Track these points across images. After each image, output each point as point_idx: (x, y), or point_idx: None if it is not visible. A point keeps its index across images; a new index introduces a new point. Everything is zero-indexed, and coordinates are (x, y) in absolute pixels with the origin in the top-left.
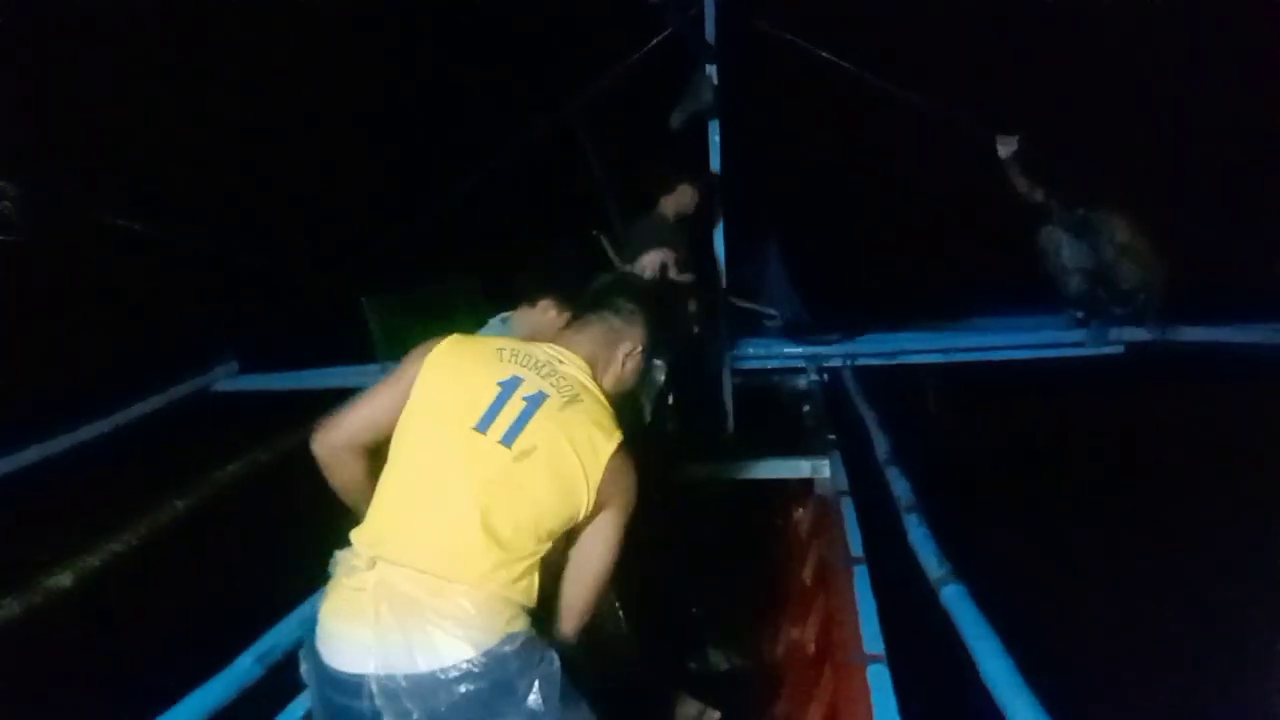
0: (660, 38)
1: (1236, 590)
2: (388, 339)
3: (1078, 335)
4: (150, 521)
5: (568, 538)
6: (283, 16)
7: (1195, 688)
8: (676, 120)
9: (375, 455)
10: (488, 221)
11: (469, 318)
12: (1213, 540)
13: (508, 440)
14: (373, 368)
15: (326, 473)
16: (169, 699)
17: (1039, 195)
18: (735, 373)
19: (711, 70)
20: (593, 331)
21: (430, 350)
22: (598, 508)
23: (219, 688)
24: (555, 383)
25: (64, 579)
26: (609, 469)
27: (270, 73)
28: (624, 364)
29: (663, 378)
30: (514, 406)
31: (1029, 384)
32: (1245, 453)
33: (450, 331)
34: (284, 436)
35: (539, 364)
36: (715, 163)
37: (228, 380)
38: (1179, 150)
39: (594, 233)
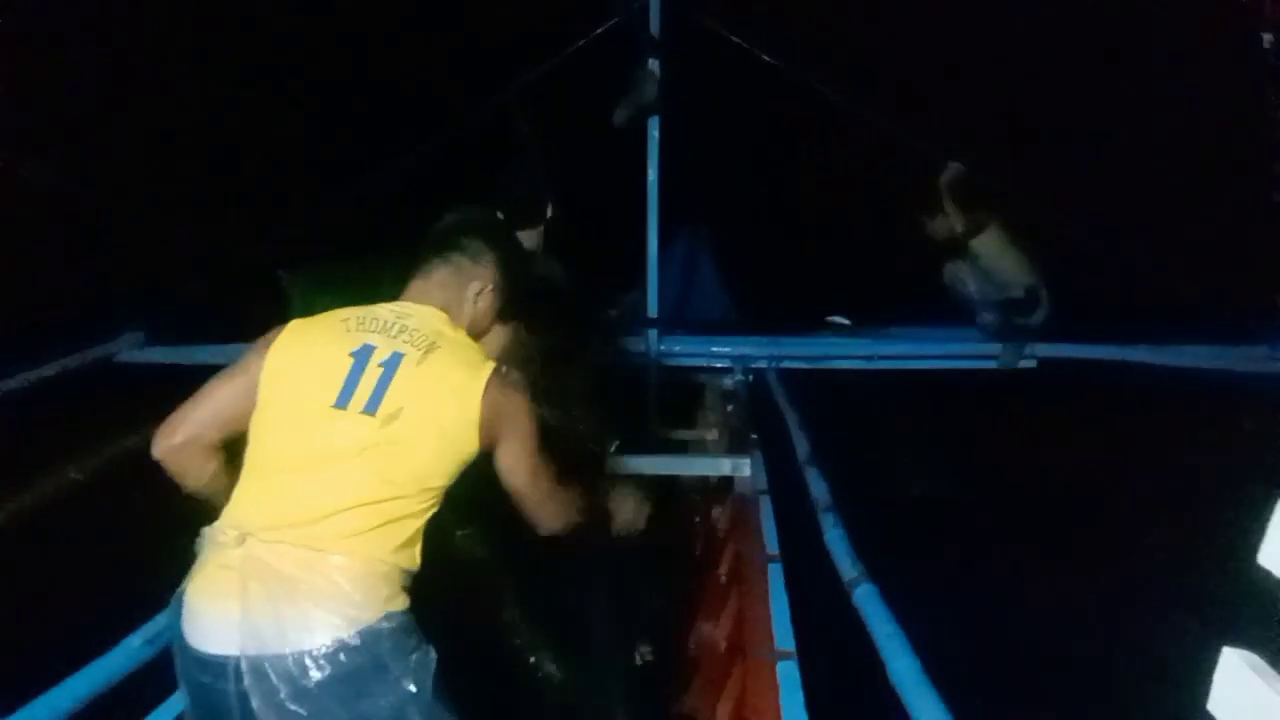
0: (605, 27)
1: (1144, 600)
2: (307, 315)
3: (995, 348)
4: (40, 490)
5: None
6: None
7: (1099, 695)
8: (620, 116)
9: (225, 453)
10: (419, 202)
11: (392, 296)
12: (1119, 549)
13: (371, 408)
14: None
15: (176, 478)
16: (54, 678)
17: (960, 225)
18: (661, 369)
19: (655, 64)
20: (439, 276)
21: (274, 338)
22: (490, 441)
23: (106, 667)
24: (408, 338)
25: None
26: (485, 401)
27: (196, 29)
28: (475, 303)
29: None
30: (371, 375)
31: (947, 393)
32: (1147, 464)
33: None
34: None
35: (387, 325)
36: (654, 159)
37: (133, 350)
38: (1104, 170)
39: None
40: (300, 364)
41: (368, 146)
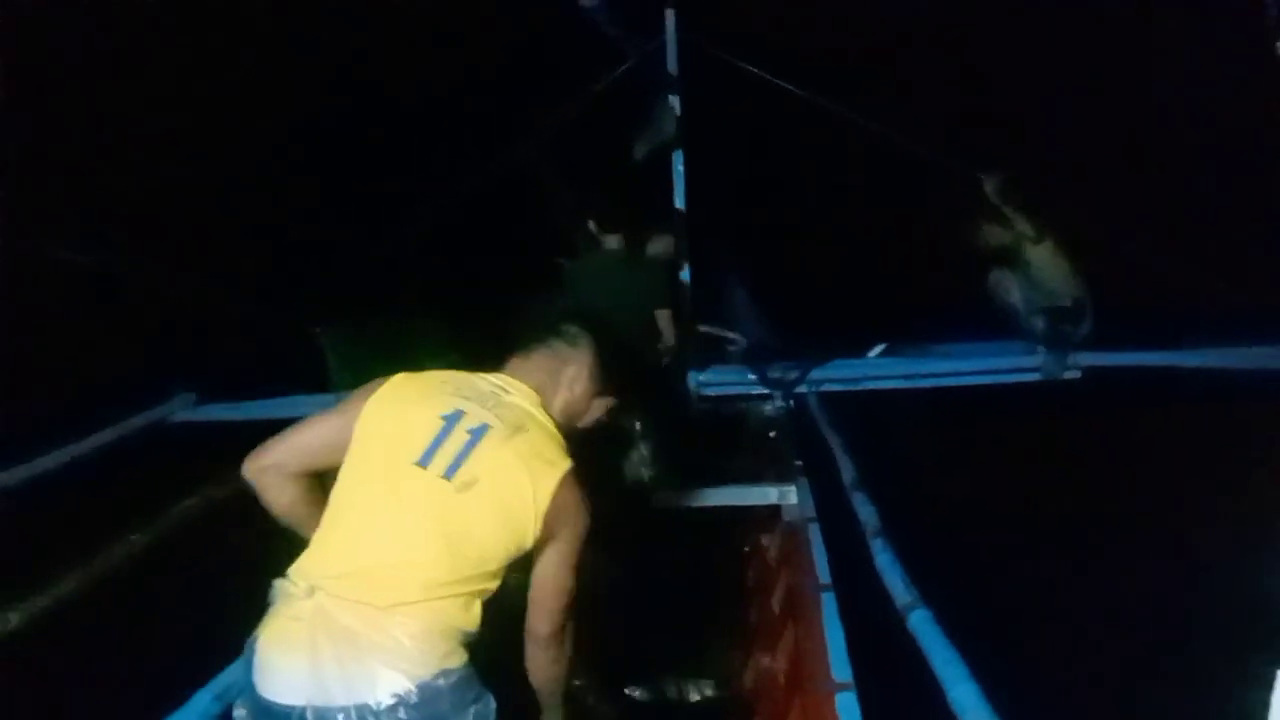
0: (622, 69)
1: (1199, 619)
2: (343, 369)
3: (1037, 360)
4: (106, 557)
5: (524, 569)
6: (246, 45)
7: (1156, 714)
8: (639, 152)
9: (312, 484)
10: (451, 255)
11: (428, 350)
12: (1173, 566)
13: (450, 473)
14: (329, 398)
15: (258, 495)
16: None
17: (1028, 229)
18: (702, 399)
19: (674, 101)
20: (538, 359)
21: (376, 388)
22: (545, 538)
23: None
24: (500, 414)
25: (12, 618)
26: (555, 498)
27: (227, 103)
28: (572, 389)
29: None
30: (457, 439)
31: (992, 409)
32: (1205, 474)
33: (408, 363)
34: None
35: (483, 395)
36: (680, 191)
37: (186, 411)
38: (1147, 176)
39: (556, 260)
40: (393, 417)
41: (394, 202)
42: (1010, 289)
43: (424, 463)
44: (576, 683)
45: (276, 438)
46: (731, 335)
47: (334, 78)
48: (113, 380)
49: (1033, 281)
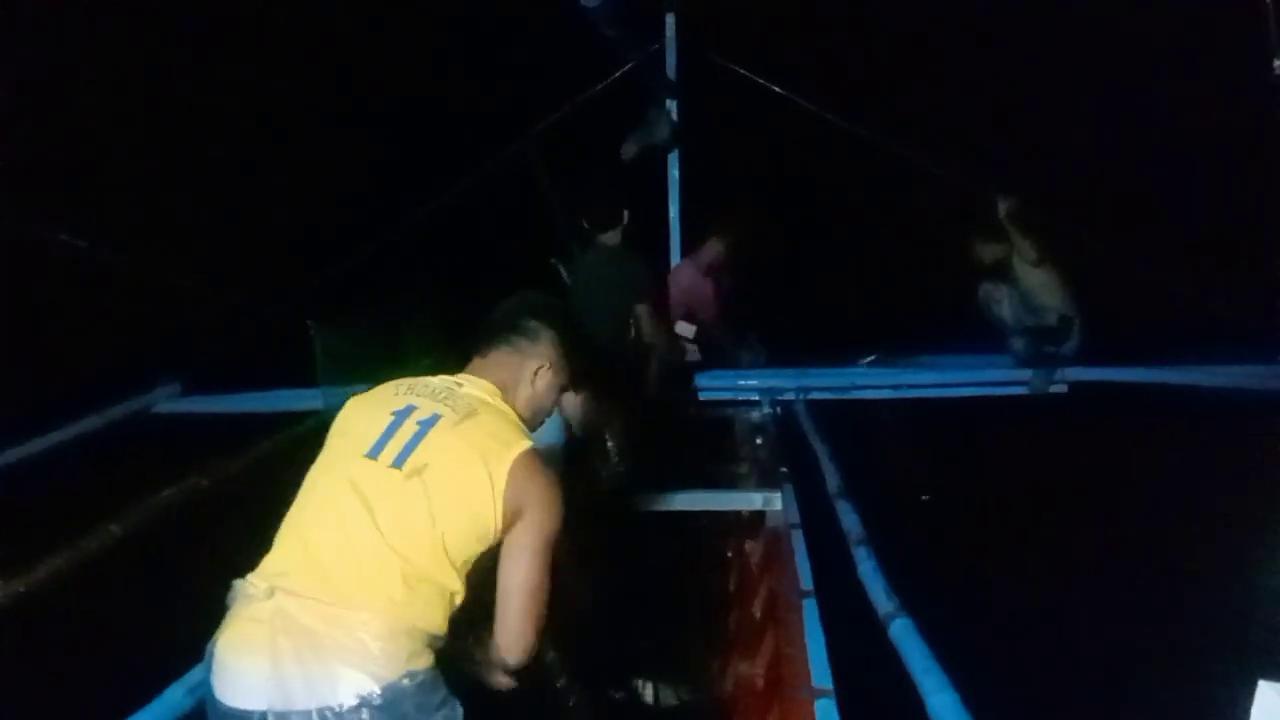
0: (621, 72)
1: (1181, 632)
2: (332, 364)
3: (1025, 374)
4: (82, 547)
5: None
6: (248, 38)
7: None
8: (629, 152)
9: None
10: (445, 252)
11: (419, 347)
12: (1157, 580)
13: (398, 462)
14: (314, 393)
15: None
16: None
17: (1030, 253)
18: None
19: (672, 105)
20: (498, 356)
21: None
22: (510, 519)
23: (148, 718)
24: (451, 404)
25: None
26: (512, 475)
27: (223, 94)
28: (534, 383)
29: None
30: (406, 431)
31: (978, 421)
32: (1184, 490)
33: (397, 362)
34: (226, 460)
35: (435, 390)
36: (674, 195)
37: (169, 401)
38: (1140, 189)
39: (551, 261)
40: (349, 423)
41: (392, 198)
42: (1000, 302)
43: (373, 455)
44: (558, 684)
45: None
46: (689, 336)
47: (333, 74)
48: (96, 369)
49: (1023, 297)
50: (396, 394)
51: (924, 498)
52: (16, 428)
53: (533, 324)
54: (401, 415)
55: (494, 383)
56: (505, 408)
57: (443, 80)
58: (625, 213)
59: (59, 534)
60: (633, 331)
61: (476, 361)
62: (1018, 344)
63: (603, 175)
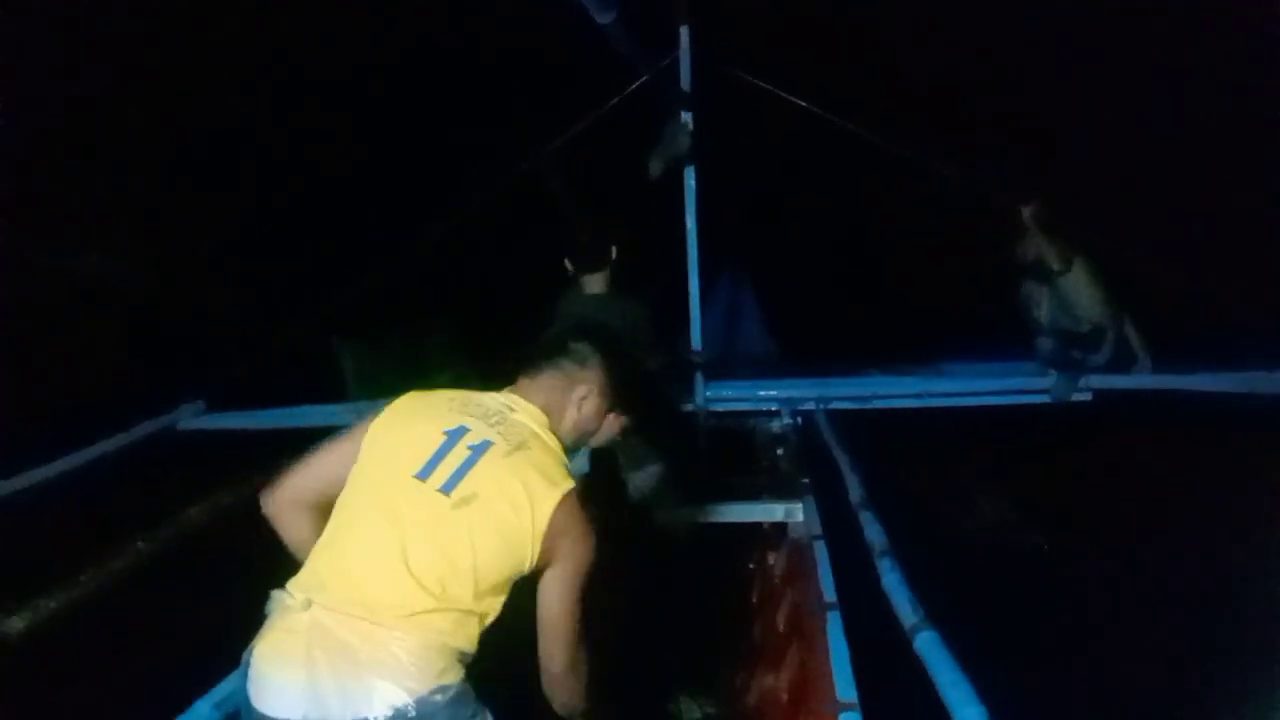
0: (636, 85)
1: (1210, 640)
2: (361, 379)
3: (1048, 382)
4: (111, 563)
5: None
6: (265, 54)
7: None
8: (655, 168)
9: (327, 513)
10: (467, 267)
11: (444, 361)
12: (1185, 588)
13: (448, 488)
14: (344, 408)
15: (277, 530)
16: None
17: (1053, 257)
18: (709, 414)
19: (687, 117)
20: (547, 379)
21: (385, 406)
22: (545, 558)
23: None
24: (503, 431)
25: (16, 622)
26: (554, 518)
27: (244, 109)
28: (580, 408)
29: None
30: (457, 455)
31: (1001, 430)
32: (1212, 499)
33: (424, 375)
34: (251, 477)
35: (488, 413)
36: (691, 208)
37: (194, 419)
38: (1160, 195)
39: (569, 269)
40: (397, 433)
41: (410, 214)
42: (1040, 303)
43: (423, 476)
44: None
45: (289, 470)
46: (694, 349)
47: (353, 91)
48: (121, 387)
49: (1062, 303)
50: (450, 410)
51: (1044, 549)
52: (43, 447)
53: (583, 348)
54: (454, 436)
55: (541, 407)
56: (552, 440)
57: (463, 93)
58: (612, 251)
59: (87, 552)
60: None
61: (524, 382)
62: (1045, 345)
63: (589, 211)
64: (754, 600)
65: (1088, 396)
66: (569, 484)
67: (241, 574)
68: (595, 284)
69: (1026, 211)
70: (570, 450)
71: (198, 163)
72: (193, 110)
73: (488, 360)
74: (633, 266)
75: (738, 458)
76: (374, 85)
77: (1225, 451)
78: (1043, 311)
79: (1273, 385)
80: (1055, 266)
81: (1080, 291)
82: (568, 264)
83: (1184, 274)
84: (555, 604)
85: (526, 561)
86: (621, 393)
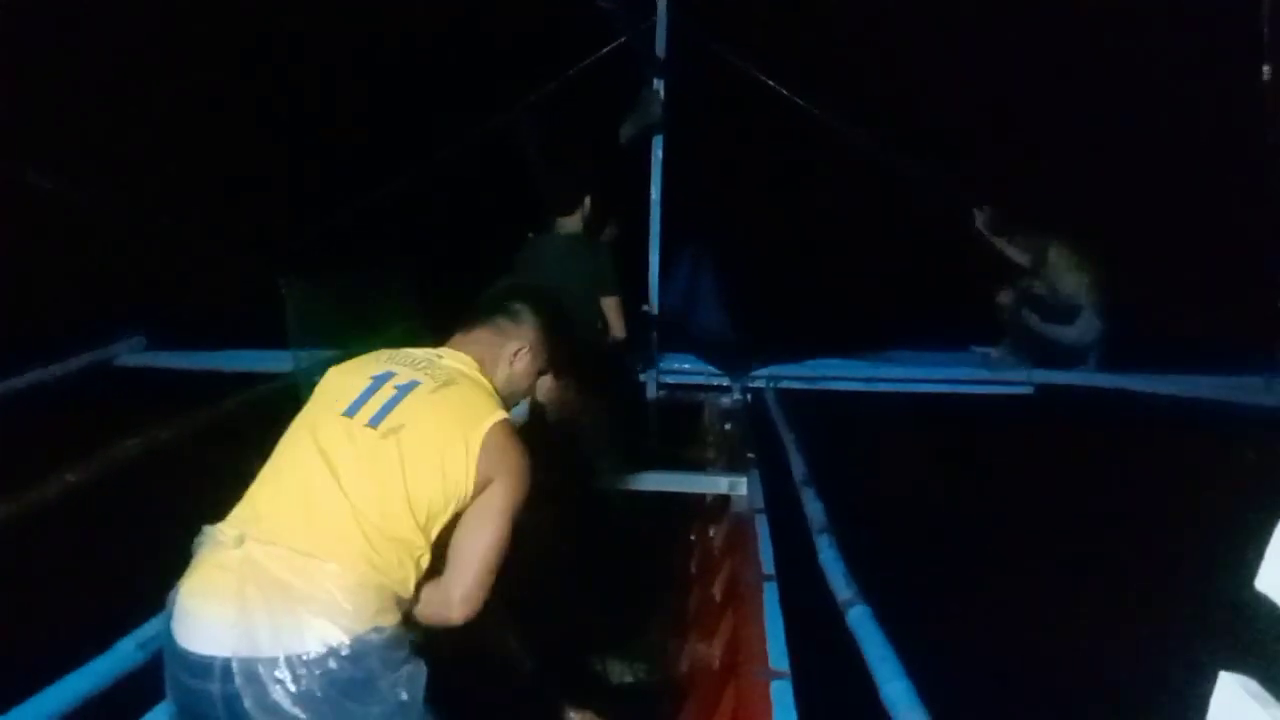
0: (611, 47)
1: (1141, 625)
2: (304, 325)
3: (990, 374)
4: (36, 495)
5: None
6: None
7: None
8: (626, 134)
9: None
10: (423, 218)
11: (390, 315)
12: (1115, 575)
13: (374, 421)
14: (284, 354)
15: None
16: (49, 682)
17: (1019, 254)
18: (661, 386)
19: (659, 85)
20: (479, 334)
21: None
22: (481, 485)
23: (99, 671)
24: (431, 373)
25: None
26: (487, 442)
27: (206, 41)
28: (512, 363)
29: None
30: (384, 393)
31: (944, 417)
32: (1144, 489)
33: (368, 324)
34: (187, 415)
35: (416, 360)
36: (657, 177)
37: (132, 355)
38: (1105, 201)
39: (529, 235)
40: (329, 386)
41: (370, 158)
42: (1013, 308)
43: (349, 413)
44: (514, 651)
45: None
46: (646, 306)
47: (322, 30)
48: (58, 316)
49: (1055, 293)
50: (377, 361)
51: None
52: None
53: (518, 306)
54: (380, 379)
55: (473, 358)
56: (483, 380)
57: (436, 41)
58: (587, 197)
59: (11, 482)
60: (599, 323)
61: (458, 337)
62: (1005, 297)
63: (567, 155)
64: (693, 569)
65: (1029, 390)
66: (500, 413)
67: (172, 512)
68: (569, 225)
69: (980, 218)
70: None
71: (155, 85)
72: (149, 28)
73: (443, 315)
74: (604, 213)
75: (686, 430)
76: (351, 26)
77: (1156, 449)
78: (1031, 314)
79: (1208, 389)
80: (1024, 264)
81: (1063, 278)
82: (544, 205)
83: (1135, 281)
84: (478, 533)
85: (463, 491)
86: (555, 353)
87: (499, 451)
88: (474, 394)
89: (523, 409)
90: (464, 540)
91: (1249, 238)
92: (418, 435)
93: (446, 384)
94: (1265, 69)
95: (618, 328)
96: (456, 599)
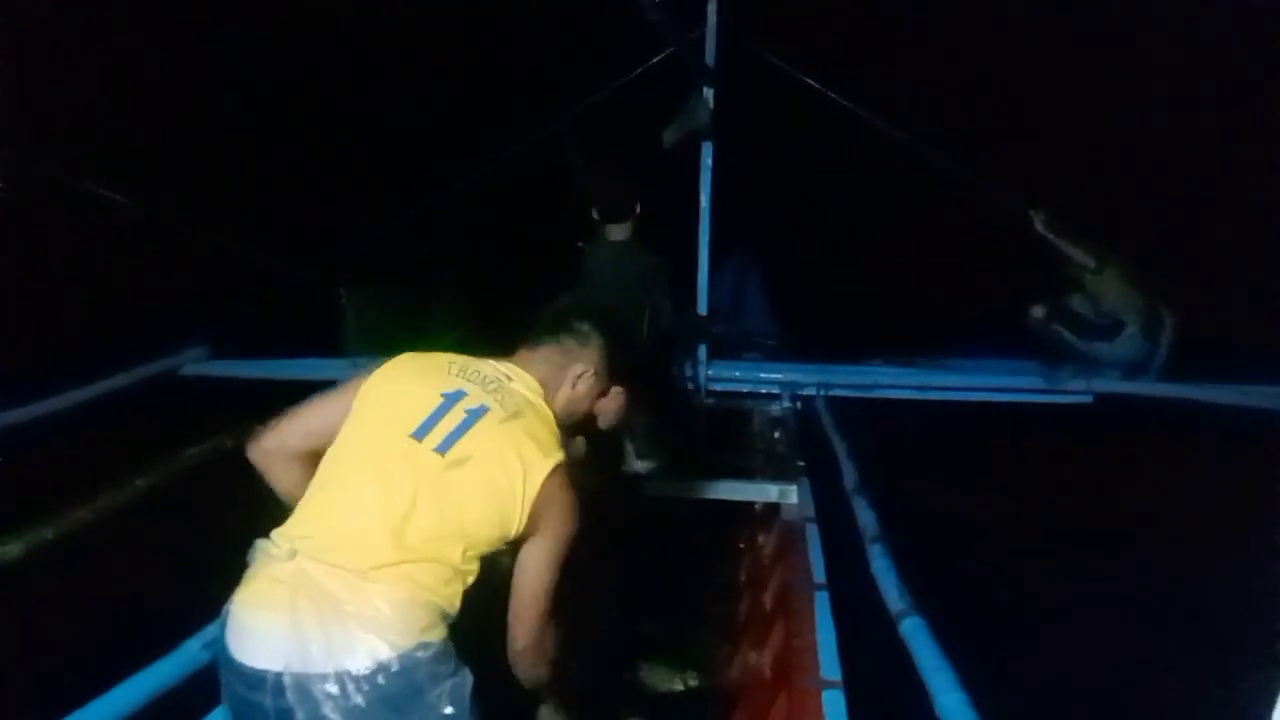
0: (660, 57)
1: (1200, 638)
2: (362, 333)
3: (1050, 383)
4: (107, 499)
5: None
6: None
7: None
8: (670, 138)
9: (313, 463)
10: (476, 226)
11: (450, 321)
12: (1175, 587)
13: (443, 448)
14: (343, 361)
15: (263, 476)
16: (118, 679)
17: (1084, 256)
18: (710, 394)
19: (709, 93)
20: (545, 353)
21: (383, 364)
22: (531, 527)
23: (165, 670)
24: (500, 398)
25: (13, 549)
26: (544, 487)
27: (264, 61)
28: (575, 385)
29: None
30: (454, 417)
31: (1000, 426)
32: (1204, 501)
33: (428, 332)
34: (251, 423)
35: (486, 380)
36: (706, 184)
37: (196, 364)
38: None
39: (579, 245)
40: (394, 391)
41: (427, 169)
42: (1044, 323)
43: (419, 435)
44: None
45: (280, 418)
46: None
47: (380, 43)
48: (125, 328)
49: (1097, 309)
50: (449, 373)
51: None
52: (44, 384)
53: (585, 327)
54: (451, 399)
55: (538, 379)
56: (547, 411)
57: (487, 52)
58: (637, 204)
59: (83, 487)
60: (649, 326)
61: (524, 353)
62: (1037, 312)
63: (617, 163)
64: (743, 578)
65: (1089, 399)
66: (560, 455)
67: (238, 518)
68: (619, 233)
69: (1038, 219)
70: (561, 426)
71: (218, 99)
72: (210, 44)
73: (495, 324)
74: (654, 222)
75: (735, 438)
76: (402, 36)
77: (1221, 461)
78: (1060, 327)
79: (1271, 399)
80: (1089, 265)
81: (1109, 295)
82: (594, 213)
83: (1193, 287)
84: (533, 574)
85: (514, 527)
86: (618, 376)
87: (554, 500)
88: (539, 430)
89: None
90: (521, 578)
91: None
92: (482, 472)
93: (515, 416)
94: None
95: (669, 327)
96: (520, 640)
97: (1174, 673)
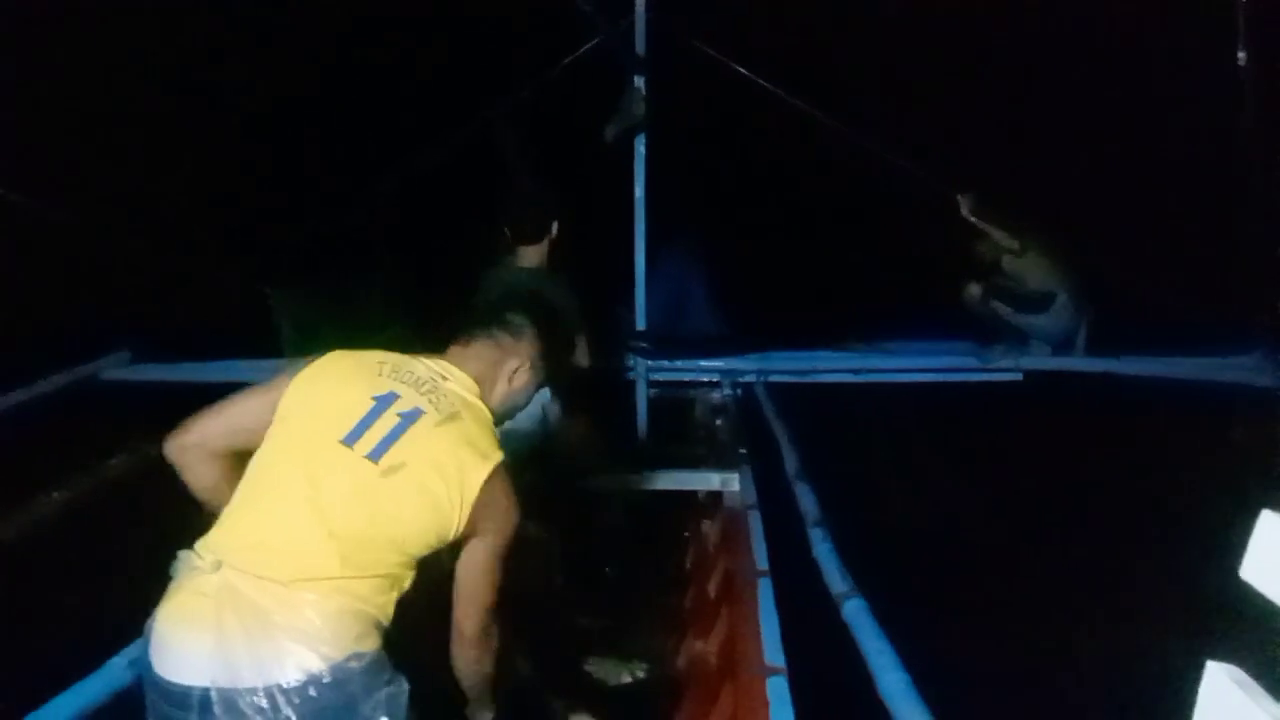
0: (588, 47)
1: (1129, 613)
2: (298, 335)
3: (980, 361)
4: (24, 513)
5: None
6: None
7: (1084, 708)
8: (610, 134)
9: (234, 463)
10: (407, 224)
11: (382, 317)
12: (1103, 562)
13: (375, 455)
14: (270, 364)
15: (179, 474)
16: (39, 701)
17: (1006, 239)
18: (651, 384)
19: (640, 82)
20: (479, 349)
21: (309, 362)
22: (470, 529)
23: (90, 690)
24: (434, 400)
25: None
26: (484, 491)
27: (182, 52)
28: (511, 381)
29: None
30: (386, 421)
31: (935, 406)
32: (1132, 476)
33: (359, 330)
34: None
35: (419, 380)
36: (640, 176)
37: (118, 369)
38: (1103, 184)
39: (483, 272)
40: (323, 393)
41: (354, 166)
42: (981, 300)
43: (349, 442)
44: (517, 663)
45: (199, 415)
46: (639, 331)
47: (301, 42)
48: (43, 333)
49: (1017, 283)
50: (380, 374)
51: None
52: None
53: (518, 319)
54: (383, 402)
55: (473, 376)
56: (483, 410)
57: (413, 49)
58: (554, 226)
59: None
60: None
61: (456, 349)
62: (974, 291)
63: (534, 179)
64: (688, 567)
65: (1018, 376)
66: (498, 456)
67: (161, 529)
68: (531, 257)
69: (965, 203)
70: (498, 421)
71: (133, 99)
72: (127, 45)
73: (426, 322)
74: (570, 246)
75: (677, 427)
76: (323, 30)
77: (1145, 432)
78: (988, 306)
79: (1196, 371)
80: (1013, 247)
81: (1034, 274)
82: (507, 232)
83: (1120, 264)
84: (476, 572)
85: (451, 532)
86: (552, 370)
87: (493, 502)
88: (476, 432)
89: (533, 414)
90: (464, 575)
91: (1233, 217)
92: (417, 480)
93: (451, 418)
94: (1240, 54)
95: (584, 360)
96: (468, 635)
97: (1105, 644)
